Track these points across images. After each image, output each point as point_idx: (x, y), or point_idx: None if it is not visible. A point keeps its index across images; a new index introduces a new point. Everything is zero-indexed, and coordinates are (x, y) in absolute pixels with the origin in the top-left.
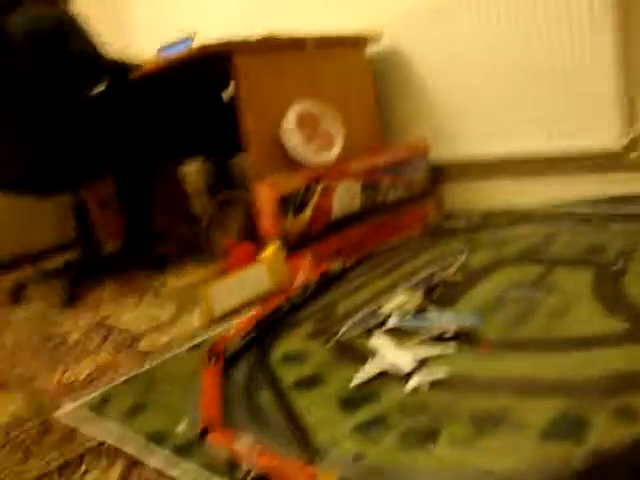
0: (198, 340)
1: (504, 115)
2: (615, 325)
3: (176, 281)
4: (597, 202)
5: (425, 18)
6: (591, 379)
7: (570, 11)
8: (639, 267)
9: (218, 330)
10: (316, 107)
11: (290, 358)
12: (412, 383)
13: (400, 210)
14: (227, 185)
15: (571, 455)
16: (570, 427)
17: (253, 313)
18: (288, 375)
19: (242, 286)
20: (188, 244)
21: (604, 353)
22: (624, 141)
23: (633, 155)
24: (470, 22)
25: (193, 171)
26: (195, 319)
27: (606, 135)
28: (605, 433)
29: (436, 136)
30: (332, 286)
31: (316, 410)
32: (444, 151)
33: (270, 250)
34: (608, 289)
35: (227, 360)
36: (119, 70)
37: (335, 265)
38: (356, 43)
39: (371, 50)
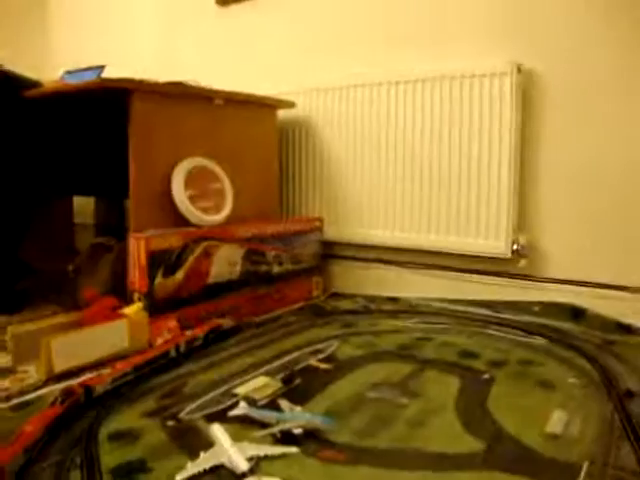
0: (27, 397)
1: (403, 208)
2: (472, 445)
3: (24, 327)
4: (480, 305)
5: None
6: None
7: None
8: (506, 380)
9: (54, 387)
10: (211, 165)
11: (119, 437)
12: None
13: (284, 283)
14: (117, 228)
15: None
16: None
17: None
18: (111, 458)
19: (95, 342)
20: (55, 285)
21: (453, 477)
22: (514, 249)
23: (522, 262)
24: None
25: (84, 205)
26: (34, 373)
27: (498, 241)
28: None
29: (333, 215)
30: (190, 357)
31: None
32: (338, 231)
33: (134, 308)
34: (472, 401)
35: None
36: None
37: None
38: (267, 106)
39: (283, 117)
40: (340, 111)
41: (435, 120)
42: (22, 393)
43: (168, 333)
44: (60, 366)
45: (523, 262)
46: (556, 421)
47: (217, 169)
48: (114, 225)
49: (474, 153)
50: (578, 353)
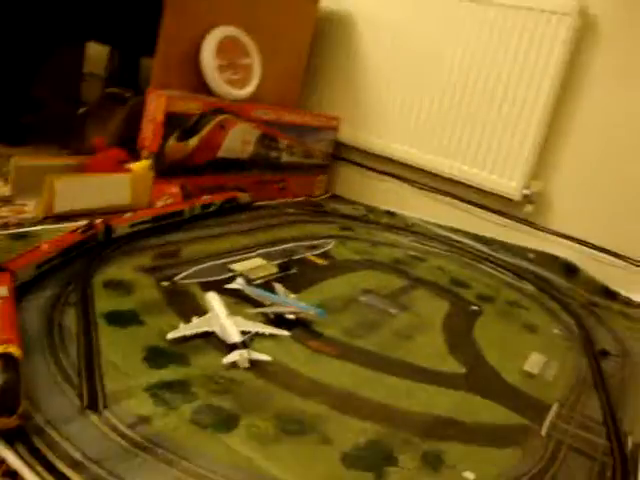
0: (24, 230)
1: (425, 127)
2: (453, 366)
3: (28, 160)
4: (477, 239)
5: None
6: (413, 415)
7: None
8: (493, 315)
9: (51, 227)
10: (243, 37)
11: (113, 286)
12: (232, 356)
13: (290, 174)
14: (129, 83)
15: None
16: (375, 459)
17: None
18: (104, 303)
19: (96, 191)
20: (62, 126)
21: (433, 392)
22: (524, 192)
23: (529, 208)
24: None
25: (97, 54)
26: (32, 208)
27: (512, 181)
28: (406, 476)
29: (352, 118)
30: (188, 224)
31: (119, 352)
32: (353, 135)
33: (140, 165)
34: (459, 327)
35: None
36: None
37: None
38: None
39: (325, 7)
40: (383, 17)
41: (480, 46)
42: (19, 225)
43: (169, 198)
44: (60, 207)
45: (530, 208)
46: (534, 362)
47: (250, 44)
48: (126, 80)
49: (511, 89)
50: (563, 307)
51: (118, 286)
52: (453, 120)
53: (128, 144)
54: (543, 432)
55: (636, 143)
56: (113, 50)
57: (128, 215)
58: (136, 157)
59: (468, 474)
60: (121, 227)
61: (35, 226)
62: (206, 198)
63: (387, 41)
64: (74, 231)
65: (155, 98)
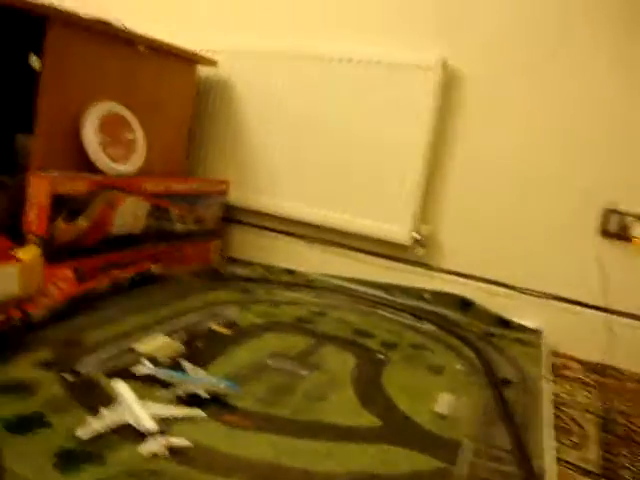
0: None
1: (312, 183)
2: (369, 419)
3: None
4: (375, 286)
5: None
6: (335, 476)
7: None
8: (399, 362)
9: None
10: (124, 112)
11: (12, 388)
12: (151, 446)
13: (184, 243)
14: (5, 163)
15: None
16: None
17: None
18: (3, 410)
19: None
20: None
21: (352, 449)
22: (415, 237)
23: (420, 251)
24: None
25: None
26: None
27: (401, 227)
28: None
29: (240, 180)
30: (87, 309)
31: (27, 464)
32: (243, 197)
33: (29, 251)
34: (368, 379)
35: None
36: None
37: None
38: (189, 60)
39: (203, 74)
40: (261, 78)
41: (356, 101)
42: None
43: (62, 282)
44: None
45: (421, 251)
46: (444, 402)
47: (132, 118)
48: (1, 160)
49: (389, 140)
50: (463, 342)
51: (18, 388)
52: (338, 173)
53: (11, 230)
54: (462, 471)
55: (506, 179)
56: None
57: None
58: (21, 243)
59: None
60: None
61: None
62: (116, 273)
63: (266, 103)
64: None
65: (37, 180)
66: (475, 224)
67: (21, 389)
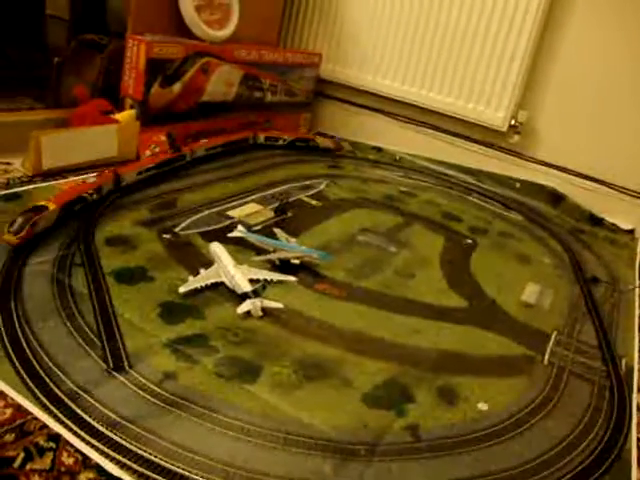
0: (16, 190)
1: (409, 60)
2: (456, 300)
3: (6, 116)
4: (464, 171)
5: None
6: (423, 351)
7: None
8: (487, 248)
9: (42, 185)
10: None
11: (116, 242)
12: (246, 305)
13: (274, 114)
14: (97, 25)
15: (389, 426)
16: (394, 397)
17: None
18: (111, 261)
19: (83, 145)
20: (35, 76)
21: (439, 327)
22: (511, 123)
23: (515, 138)
24: None
25: None
26: (18, 166)
27: (498, 112)
28: (425, 411)
29: (334, 54)
30: (179, 173)
31: (134, 310)
32: (336, 71)
33: (125, 114)
34: (456, 261)
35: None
36: None
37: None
38: None
39: None
40: None
41: None
42: (8, 185)
43: (155, 147)
44: (48, 164)
45: (516, 138)
46: (531, 292)
47: None
48: (94, 23)
49: (495, 17)
50: (551, 235)
51: (121, 242)
52: (437, 52)
53: (109, 93)
54: (545, 360)
55: (614, 72)
56: None
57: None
58: (120, 107)
59: (482, 405)
60: (129, 175)
61: (25, 185)
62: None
63: None
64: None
65: (134, 43)
66: (575, 115)
67: (125, 244)
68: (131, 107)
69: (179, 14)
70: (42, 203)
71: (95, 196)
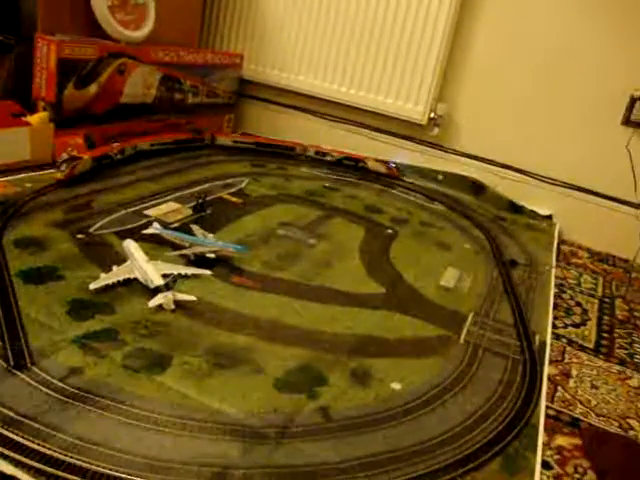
0: None
1: (328, 57)
2: (373, 287)
3: None
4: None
5: None
6: (338, 337)
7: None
8: (407, 237)
9: None
10: None
11: (26, 244)
12: (157, 299)
13: (197, 115)
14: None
15: (300, 409)
16: (306, 381)
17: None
18: (18, 262)
19: None
20: None
21: (356, 313)
22: (431, 116)
23: (435, 131)
24: None
25: None
26: None
27: (417, 105)
28: (337, 393)
29: (255, 54)
30: (95, 176)
31: (40, 309)
32: (257, 71)
33: (38, 117)
34: (375, 250)
35: None
36: None
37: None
38: None
39: None
40: None
41: None
42: None
43: (72, 149)
44: None
45: (436, 130)
46: (449, 276)
47: None
48: (5, 25)
49: (411, 12)
50: (473, 223)
51: (31, 244)
52: (356, 49)
53: (19, 96)
54: (461, 339)
55: (530, 62)
56: None
57: None
58: (31, 109)
59: (395, 385)
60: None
61: None
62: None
63: None
64: None
65: (44, 43)
66: (494, 106)
67: (35, 245)
68: (44, 109)
69: (92, 15)
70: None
71: (119, 156)
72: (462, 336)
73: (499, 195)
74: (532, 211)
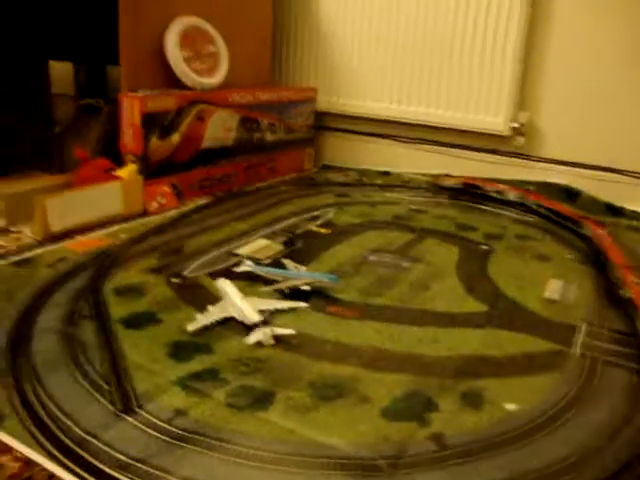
0: (27, 255)
1: (401, 80)
2: (474, 306)
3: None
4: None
5: None
6: (443, 359)
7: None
8: (504, 252)
9: (51, 248)
10: (205, 25)
11: (125, 291)
12: (256, 335)
13: (277, 153)
14: (99, 95)
15: (412, 437)
16: (415, 407)
17: None
18: (119, 309)
19: (88, 204)
20: (41, 149)
21: (458, 334)
22: (512, 126)
23: (520, 141)
24: None
25: (62, 74)
26: (28, 233)
27: (497, 117)
28: (449, 418)
29: (327, 86)
30: (184, 220)
31: (143, 353)
32: (331, 102)
33: (127, 170)
34: (473, 268)
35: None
36: None
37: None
38: None
39: None
40: None
41: None
42: (19, 251)
43: (162, 198)
44: (55, 225)
45: (521, 140)
46: (553, 288)
47: (212, 30)
48: (96, 93)
49: (480, 24)
50: (572, 231)
51: (129, 291)
52: (429, 68)
53: (110, 152)
54: (577, 352)
55: (609, 59)
56: (77, 66)
57: None
58: (121, 163)
59: (509, 405)
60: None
61: (35, 249)
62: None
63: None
64: None
65: (129, 100)
66: (577, 107)
67: (133, 292)
68: (132, 162)
69: (169, 68)
70: None
71: None
72: (577, 349)
73: (595, 199)
74: (633, 211)
